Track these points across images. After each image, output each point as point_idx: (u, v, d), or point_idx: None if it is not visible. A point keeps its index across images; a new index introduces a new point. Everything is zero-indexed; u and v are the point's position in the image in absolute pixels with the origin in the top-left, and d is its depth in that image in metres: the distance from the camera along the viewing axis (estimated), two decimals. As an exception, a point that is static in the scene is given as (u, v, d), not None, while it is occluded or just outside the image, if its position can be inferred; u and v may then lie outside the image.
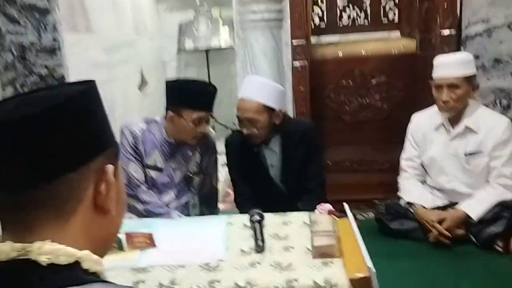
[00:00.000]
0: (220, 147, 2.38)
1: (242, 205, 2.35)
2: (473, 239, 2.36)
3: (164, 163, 2.15)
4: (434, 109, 2.53)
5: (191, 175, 2.23)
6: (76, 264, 0.64)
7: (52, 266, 0.62)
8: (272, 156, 2.28)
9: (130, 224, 1.79)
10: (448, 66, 2.34)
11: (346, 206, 1.73)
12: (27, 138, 0.61)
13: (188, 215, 2.13)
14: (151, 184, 2.13)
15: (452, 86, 2.32)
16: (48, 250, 0.62)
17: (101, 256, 0.72)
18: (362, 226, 1.64)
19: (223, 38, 5.18)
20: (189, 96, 2.03)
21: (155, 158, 2.13)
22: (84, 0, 3.43)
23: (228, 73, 5.62)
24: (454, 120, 2.45)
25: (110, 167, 0.69)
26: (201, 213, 2.26)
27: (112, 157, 0.72)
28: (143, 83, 4.54)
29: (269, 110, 2.12)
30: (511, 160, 2.37)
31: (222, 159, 2.43)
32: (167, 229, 1.73)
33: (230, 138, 2.37)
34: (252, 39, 3.63)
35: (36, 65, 3.02)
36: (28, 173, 0.62)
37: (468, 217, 2.33)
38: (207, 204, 2.34)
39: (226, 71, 5.62)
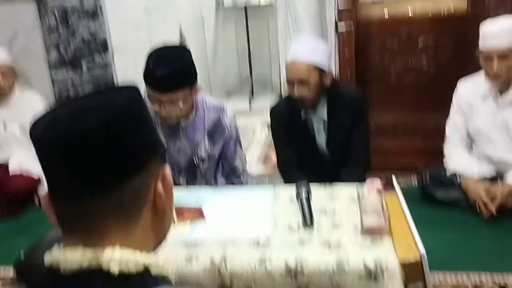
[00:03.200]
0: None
1: (286, 174, 2.37)
2: (521, 210, 2.31)
3: (166, 142, 2.01)
4: (480, 76, 2.44)
5: (196, 160, 2.07)
6: (145, 271, 0.67)
7: (123, 275, 0.64)
8: (319, 123, 2.27)
9: (177, 194, 1.82)
10: (498, 35, 2.22)
11: (394, 179, 1.71)
12: (89, 150, 0.63)
13: None
14: None
15: (503, 56, 2.22)
16: (118, 259, 0.65)
17: (157, 249, 0.77)
18: (406, 193, 1.64)
19: (263, -6, 5.06)
20: (145, 68, 1.83)
21: None
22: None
23: (267, 30, 5.53)
24: (502, 88, 2.36)
25: (167, 170, 0.73)
26: None
27: (163, 158, 0.74)
28: (181, 40, 4.53)
29: (320, 70, 2.11)
30: None
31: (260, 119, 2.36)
32: (215, 200, 1.76)
33: (276, 105, 2.36)
34: (294, -2, 3.53)
35: (79, 29, 3.06)
36: (93, 183, 0.64)
37: (517, 189, 2.28)
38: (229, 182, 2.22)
39: (264, 27, 5.53)
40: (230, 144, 2.11)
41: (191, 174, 2.11)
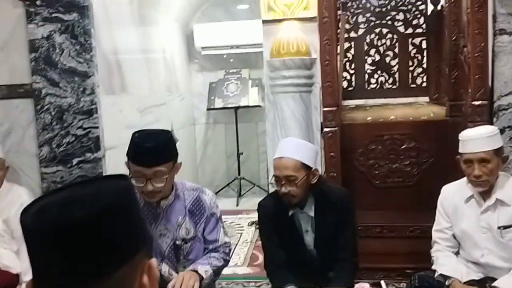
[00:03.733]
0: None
1: (273, 273, 2.33)
2: (512, 316, 2.26)
3: (149, 228, 2.00)
4: (463, 181, 2.51)
5: (178, 242, 2.08)
6: None
7: None
8: (307, 221, 2.28)
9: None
10: (477, 141, 2.33)
11: (383, 283, 1.69)
12: (78, 240, 0.64)
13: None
14: None
15: (483, 160, 2.31)
16: None
17: None
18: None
19: (251, 97, 5.30)
20: (130, 146, 1.95)
21: None
22: (120, 62, 3.58)
23: (256, 130, 5.73)
24: (485, 192, 2.42)
25: (153, 261, 0.73)
26: None
27: (150, 250, 0.75)
28: (172, 140, 4.63)
29: (307, 168, 2.17)
30: (547, 233, 2.31)
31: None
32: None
33: (264, 201, 2.39)
34: (282, 102, 3.72)
35: (73, 126, 3.14)
36: (80, 273, 0.65)
37: (506, 294, 2.25)
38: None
39: (253, 128, 5.73)
40: (211, 222, 2.14)
41: (174, 259, 2.09)
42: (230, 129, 5.69)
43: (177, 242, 2.07)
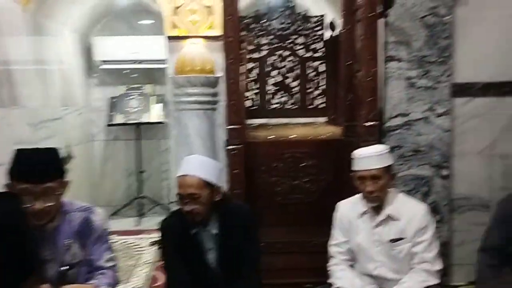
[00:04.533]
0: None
1: (175, 294, 2.28)
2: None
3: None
4: (358, 197, 2.65)
5: (62, 268, 1.91)
6: None
7: None
8: (210, 239, 2.27)
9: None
10: (369, 159, 2.49)
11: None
12: None
13: None
14: None
15: (374, 177, 2.46)
16: None
17: None
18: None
19: (155, 114, 5.21)
20: (15, 163, 1.81)
21: None
22: (11, 72, 3.35)
23: (158, 147, 5.61)
24: (377, 208, 2.57)
25: (45, 287, 0.68)
26: None
27: (41, 274, 0.71)
28: (68, 158, 4.40)
29: (210, 185, 2.17)
30: (431, 246, 2.49)
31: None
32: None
33: (167, 219, 2.34)
34: (186, 119, 3.70)
35: (-45, 142, 2.86)
36: None
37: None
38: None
39: (156, 145, 5.61)
40: (99, 243, 2.04)
41: (60, 284, 1.90)
42: (132, 146, 5.53)
43: (63, 268, 1.91)
